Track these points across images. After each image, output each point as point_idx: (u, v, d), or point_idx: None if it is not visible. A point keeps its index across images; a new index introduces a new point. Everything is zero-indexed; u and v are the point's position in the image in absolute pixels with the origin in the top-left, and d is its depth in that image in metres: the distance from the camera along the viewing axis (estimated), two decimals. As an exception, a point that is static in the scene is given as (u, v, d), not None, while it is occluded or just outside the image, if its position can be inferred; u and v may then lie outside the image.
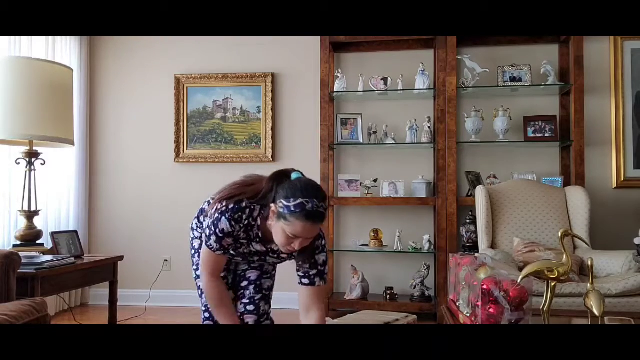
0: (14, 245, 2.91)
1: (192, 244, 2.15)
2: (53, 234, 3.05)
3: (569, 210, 3.18)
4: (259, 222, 1.85)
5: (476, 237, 3.37)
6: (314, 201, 1.71)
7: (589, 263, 1.90)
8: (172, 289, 4.14)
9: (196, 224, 2.13)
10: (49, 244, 3.11)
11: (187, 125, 4.18)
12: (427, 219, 3.88)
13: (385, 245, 3.75)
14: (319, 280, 1.90)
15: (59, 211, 3.85)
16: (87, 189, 4.20)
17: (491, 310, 1.64)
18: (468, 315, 1.81)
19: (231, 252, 1.94)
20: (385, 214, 3.91)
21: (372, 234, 3.75)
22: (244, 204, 1.81)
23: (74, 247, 3.14)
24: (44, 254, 2.82)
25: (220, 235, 1.82)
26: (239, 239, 1.87)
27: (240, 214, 1.81)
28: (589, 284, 1.84)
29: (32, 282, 2.42)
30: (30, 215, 2.96)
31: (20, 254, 2.32)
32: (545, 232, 3.08)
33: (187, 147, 4.18)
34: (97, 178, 4.28)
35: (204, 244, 1.89)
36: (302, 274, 1.90)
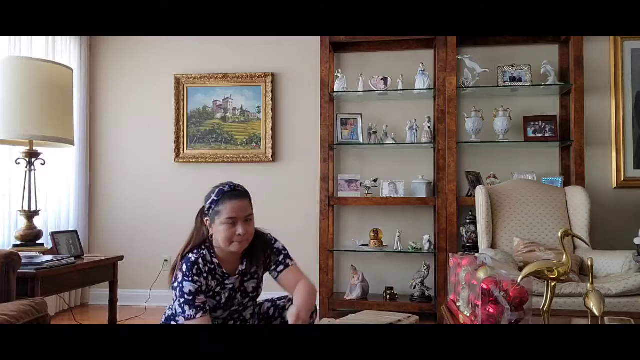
0: (14, 245, 2.91)
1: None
2: (53, 234, 3.05)
3: (569, 210, 3.18)
4: (215, 260, 1.92)
5: (476, 237, 3.36)
6: (228, 184, 1.91)
7: (589, 263, 1.90)
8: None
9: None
10: (49, 244, 3.11)
11: (187, 125, 4.18)
12: (427, 219, 3.88)
13: (385, 245, 3.75)
14: (290, 261, 2.04)
15: (59, 211, 3.85)
16: (87, 189, 4.20)
17: (491, 310, 1.64)
18: (468, 315, 1.81)
19: (214, 313, 1.91)
20: (385, 214, 3.91)
21: (372, 234, 3.75)
22: (192, 258, 1.87)
23: (74, 247, 3.14)
24: (44, 254, 2.82)
25: (190, 297, 1.83)
26: (212, 289, 1.89)
27: (195, 267, 1.86)
28: (589, 284, 1.84)
29: (32, 282, 2.42)
30: (30, 215, 2.96)
31: (20, 254, 2.32)
32: (545, 232, 3.08)
33: (187, 147, 4.18)
34: (97, 178, 4.28)
35: (183, 321, 1.83)
36: (275, 266, 2.02)
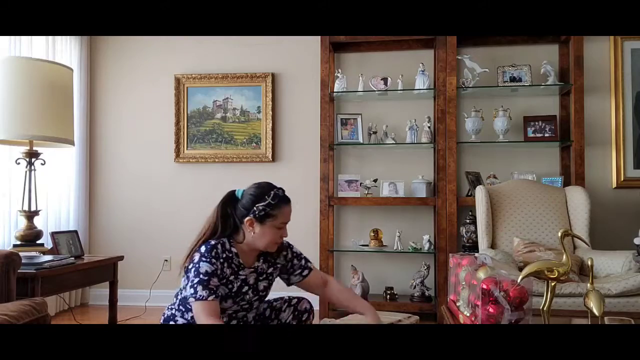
0: (14, 245, 2.91)
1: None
2: (53, 234, 3.05)
3: (569, 210, 3.18)
4: (234, 250, 1.93)
5: (476, 237, 3.36)
6: (278, 187, 1.95)
7: (589, 263, 1.90)
8: (172, 289, 4.14)
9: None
10: (49, 244, 3.11)
11: (187, 125, 4.18)
12: (427, 219, 3.88)
13: (385, 245, 3.75)
14: (309, 263, 2.12)
15: (59, 211, 3.85)
16: (87, 189, 4.20)
17: (491, 310, 1.64)
18: (468, 315, 1.81)
19: (224, 302, 1.90)
20: (385, 214, 3.91)
21: (372, 234, 3.75)
22: (212, 242, 1.89)
23: (74, 247, 3.14)
24: (44, 254, 2.82)
25: (205, 278, 1.82)
26: (226, 276, 1.89)
27: (215, 250, 1.87)
28: (589, 284, 1.84)
29: (32, 282, 2.42)
30: (30, 215, 2.96)
31: (21, 254, 2.32)
32: (545, 232, 3.08)
33: (187, 147, 4.18)
34: (97, 178, 4.28)
35: (193, 302, 1.82)
36: (300, 270, 2.08)
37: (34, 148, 2.98)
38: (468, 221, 3.58)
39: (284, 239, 2.03)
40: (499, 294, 1.63)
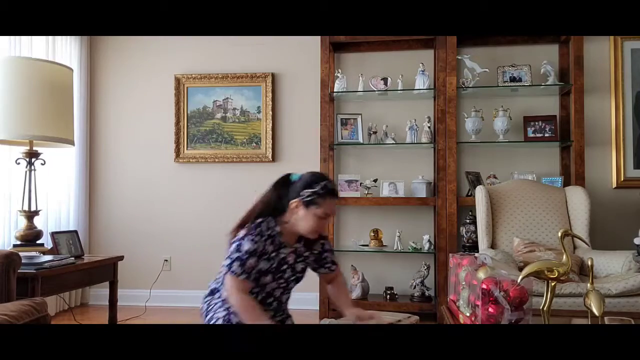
0: (14, 245, 2.91)
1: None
2: (53, 234, 3.05)
3: (569, 210, 3.18)
4: (277, 229, 2.01)
5: (476, 237, 3.36)
6: (330, 181, 2.01)
7: (589, 263, 1.90)
8: (172, 289, 4.14)
9: None
10: (49, 244, 3.11)
11: (187, 125, 4.18)
12: (427, 219, 3.88)
13: (385, 245, 3.75)
14: (337, 266, 2.22)
15: (59, 211, 3.85)
16: (87, 189, 4.20)
17: (491, 310, 1.64)
18: (468, 315, 1.81)
19: (264, 277, 1.99)
20: (385, 214, 3.91)
21: (372, 234, 3.75)
22: (259, 220, 1.99)
23: (74, 247, 3.14)
24: (44, 254, 2.82)
25: (245, 256, 1.92)
26: (268, 252, 1.98)
27: (259, 229, 1.96)
28: (589, 284, 1.84)
29: (32, 282, 2.42)
30: (30, 215, 2.96)
31: (21, 254, 2.32)
32: (545, 232, 3.08)
33: (187, 147, 4.18)
34: (97, 178, 4.28)
35: (226, 271, 1.93)
36: (330, 264, 2.17)
37: (34, 148, 2.98)
38: (468, 221, 3.58)
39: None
40: (499, 294, 1.63)
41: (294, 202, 1.97)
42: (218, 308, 2.05)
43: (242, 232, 1.97)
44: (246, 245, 1.92)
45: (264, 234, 1.97)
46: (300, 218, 1.97)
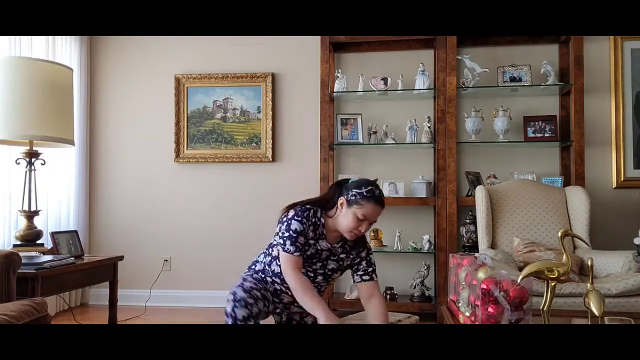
0: (14, 245, 2.91)
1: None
2: (53, 234, 3.04)
3: (569, 210, 3.18)
4: (322, 220, 2.14)
5: (476, 237, 3.36)
6: (379, 189, 2.12)
7: (589, 263, 1.90)
8: (172, 289, 4.14)
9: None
10: (49, 244, 3.11)
11: (187, 125, 4.18)
12: (427, 219, 3.88)
13: (385, 245, 3.75)
14: (376, 276, 2.27)
15: (59, 211, 3.85)
16: (87, 189, 4.20)
17: (491, 310, 1.64)
18: (468, 315, 1.81)
19: (305, 253, 2.13)
20: (385, 214, 3.87)
21: (372, 234, 3.75)
22: (308, 206, 2.14)
23: (74, 247, 3.14)
24: (44, 254, 2.82)
25: (295, 235, 2.06)
26: (308, 238, 2.11)
27: (307, 213, 2.10)
28: (589, 284, 1.84)
29: (32, 282, 2.42)
30: (30, 215, 2.96)
31: (21, 254, 2.31)
32: (545, 232, 3.08)
33: (187, 147, 4.18)
34: (97, 178, 4.28)
35: (281, 251, 2.09)
36: (362, 273, 2.22)
37: (34, 148, 2.98)
38: (468, 221, 3.58)
39: (370, 244, 2.29)
40: (499, 294, 1.63)
41: (341, 199, 2.10)
42: (240, 280, 2.18)
43: (291, 212, 2.11)
44: (294, 225, 2.07)
45: (310, 219, 2.10)
46: (342, 215, 2.09)
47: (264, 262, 2.25)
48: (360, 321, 2.75)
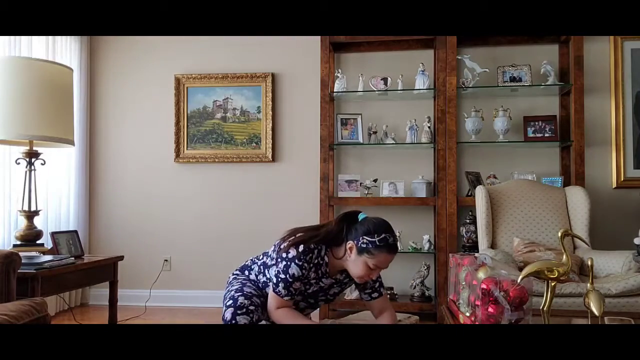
0: (14, 245, 2.91)
1: (231, 292, 2.13)
2: (53, 234, 3.04)
3: (569, 210, 3.18)
4: (326, 259, 2.05)
5: (476, 237, 3.36)
6: (392, 236, 1.98)
7: (589, 263, 1.90)
8: (172, 289, 4.14)
9: (235, 275, 2.28)
10: (49, 244, 3.11)
11: (187, 125, 4.18)
12: (427, 219, 3.88)
13: (385, 245, 3.75)
14: (382, 289, 2.19)
15: (59, 211, 3.85)
16: (87, 189, 4.20)
17: (491, 310, 1.64)
18: (468, 315, 1.81)
19: (297, 297, 2.07)
20: (385, 214, 3.89)
21: (372, 234, 3.74)
22: (312, 246, 2.01)
23: (74, 247, 3.14)
24: (44, 254, 2.82)
25: (291, 280, 1.98)
26: (309, 279, 2.03)
27: (310, 255, 2.00)
28: (589, 284, 1.84)
29: (32, 282, 2.42)
30: (30, 215, 2.96)
31: (21, 254, 2.31)
32: (545, 232, 3.08)
33: (187, 147, 4.18)
34: (97, 178, 4.28)
35: (271, 289, 2.03)
36: (371, 291, 2.15)
37: (34, 148, 2.98)
38: (468, 221, 3.58)
39: None
40: (499, 294, 1.63)
41: (350, 243, 1.98)
42: (234, 284, 2.16)
43: (292, 252, 1.99)
44: (293, 269, 1.97)
45: (312, 262, 2.00)
46: (352, 261, 1.98)
47: (258, 279, 2.21)
48: (360, 321, 2.75)
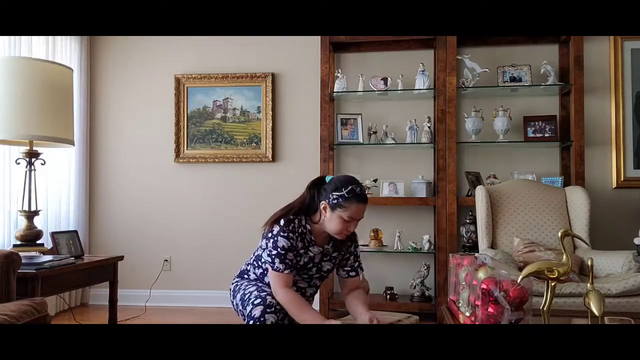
0: (14, 245, 2.91)
1: (239, 297, 2.17)
2: (53, 234, 3.04)
3: (569, 210, 3.18)
4: (308, 227, 2.12)
5: (476, 237, 3.36)
6: (359, 186, 2.08)
7: (589, 263, 1.90)
8: (172, 289, 4.14)
9: (237, 281, 2.29)
10: (49, 244, 3.11)
11: (187, 125, 4.18)
12: (427, 219, 3.88)
13: (385, 245, 3.75)
14: (361, 270, 2.29)
15: (59, 211, 3.85)
16: (87, 189, 4.20)
17: (491, 310, 1.64)
18: (468, 315, 1.81)
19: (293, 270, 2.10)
20: (385, 214, 3.91)
21: (372, 233, 3.75)
22: (291, 217, 2.09)
23: (74, 247, 3.13)
24: (44, 254, 2.82)
25: (282, 252, 2.05)
26: (298, 249, 2.10)
27: (292, 224, 2.07)
28: (589, 284, 1.84)
29: (32, 282, 2.42)
30: (30, 215, 2.96)
31: (21, 254, 2.31)
32: (545, 232, 3.08)
33: (187, 147, 4.18)
34: (97, 178, 4.28)
35: (270, 269, 2.07)
36: (350, 268, 2.25)
37: (34, 148, 2.98)
38: (468, 221, 3.58)
39: (357, 235, 2.26)
40: (499, 294, 1.63)
41: (322, 204, 2.07)
42: (247, 286, 2.18)
43: (275, 228, 2.07)
44: (281, 242, 2.04)
45: (296, 231, 2.07)
46: (328, 219, 2.06)
47: (257, 274, 2.24)
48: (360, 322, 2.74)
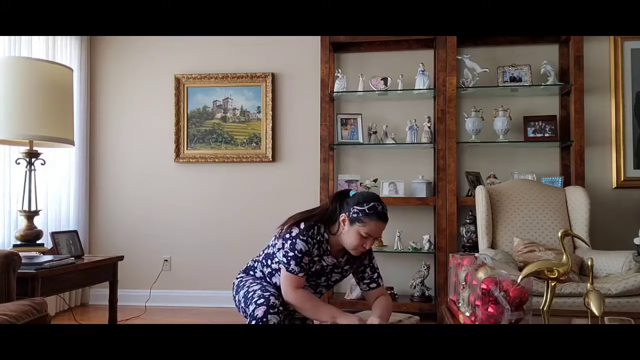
0: (14, 245, 2.91)
1: (241, 294, 2.17)
2: (53, 234, 3.04)
3: (569, 210, 3.18)
4: (326, 236, 2.12)
5: (476, 237, 3.36)
6: (382, 204, 2.07)
7: (589, 263, 1.90)
8: (172, 289, 4.14)
9: (241, 278, 2.28)
10: (49, 244, 3.11)
11: (187, 125, 4.18)
12: (427, 219, 3.88)
13: (385, 245, 3.75)
14: (381, 280, 2.26)
15: (59, 211, 3.85)
16: (87, 189, 4.20)
17: (491, 310, 1.64)
18: (468, 315, 1.81)
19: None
20: (385, 214, 3.91)
21: (372, 234, 3.75)
22: (312, 222, 2.10)
23: (74, 247, 3.14)
24: (44, 254, 2.82)
25: (300, 255, 2.05)
26: (313, 255, 2.11)
27: (312, 230, 2.08)
28: (589, 284, 1.84)
29: (32, 282, 2.42)
30: (30, 215, 2.96)
31: (21, 254, 2.31)
32: (545, 232, 3.08)
33: (187, 147, 4.18)
34: (97, 178, 4.28)
35: (283, 270, 2.08)
36: (369, 281, 2.23)
37: (34, 148, 2.98)
38: (468, 221, 3.58)
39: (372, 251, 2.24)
40: (499, 294, 1.63)
41: (342, 216, 2.07)
42: (251, 283, 2.18)
43: (295, 230, 2.07)
44: (299, 245, 2.05)
45: (314, 237, 2.08)
46: (345, 233, 2.07)
47: (264, 272, 2.24)
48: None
